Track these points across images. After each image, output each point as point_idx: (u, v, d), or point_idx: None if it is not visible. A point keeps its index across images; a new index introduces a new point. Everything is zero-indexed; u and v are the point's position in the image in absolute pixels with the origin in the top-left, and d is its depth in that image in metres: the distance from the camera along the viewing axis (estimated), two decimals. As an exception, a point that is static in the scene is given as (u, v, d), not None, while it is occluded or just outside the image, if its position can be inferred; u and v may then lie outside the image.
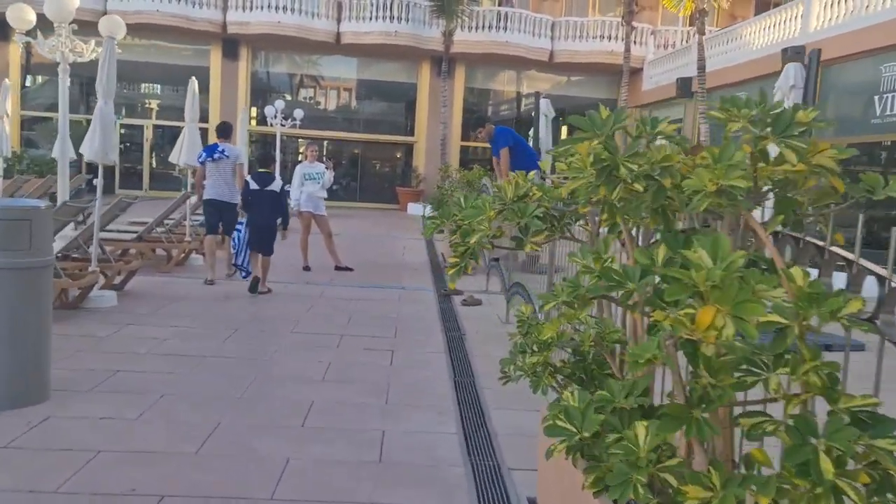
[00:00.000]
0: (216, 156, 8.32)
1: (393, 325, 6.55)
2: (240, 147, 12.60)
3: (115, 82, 6.86)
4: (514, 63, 24.93)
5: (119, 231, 9.29)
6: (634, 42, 22.84)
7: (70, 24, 7.91)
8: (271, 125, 21.42)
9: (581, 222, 2.40)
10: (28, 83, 24.22)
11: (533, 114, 11.19)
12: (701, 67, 15.63)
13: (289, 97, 24.91)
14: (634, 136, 1.91)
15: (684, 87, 20.88)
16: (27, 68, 24.26)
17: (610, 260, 1.81)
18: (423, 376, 5.02)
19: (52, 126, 23.71)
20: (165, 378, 4.64)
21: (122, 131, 24.55)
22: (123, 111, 25.03)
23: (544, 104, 10.96)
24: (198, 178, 8.71)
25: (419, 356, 5.55)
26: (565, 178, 2.07)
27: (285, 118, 21.23)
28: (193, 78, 10.59)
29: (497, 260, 8.19)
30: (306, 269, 9.68)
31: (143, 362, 4.99)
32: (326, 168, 9.66)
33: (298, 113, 21.64)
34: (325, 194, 9.72)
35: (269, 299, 7.60)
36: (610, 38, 24.21)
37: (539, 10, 24.89)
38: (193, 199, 9.63)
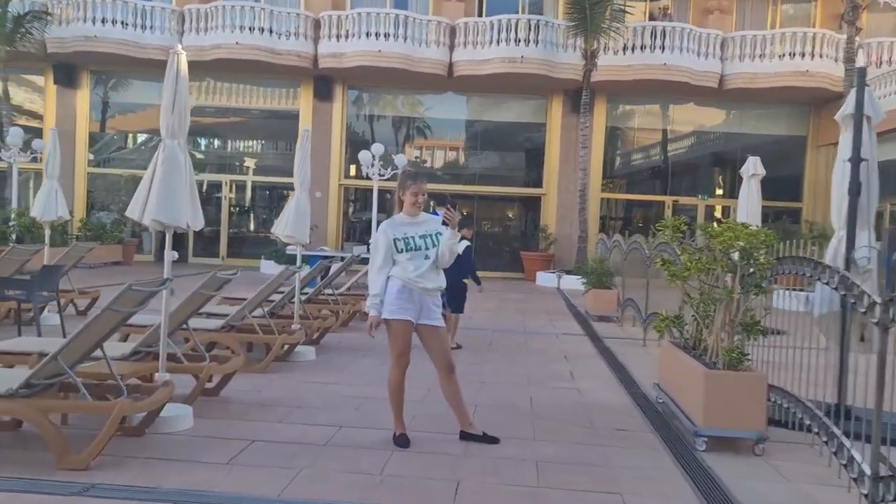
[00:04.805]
0: None
1: None
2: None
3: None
4: (672, 91, 19.51)
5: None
6: (841, 57, 17.01)
7: None
8: (367, 175, 16.92)
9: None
10: (98, 136, 21.09)
11: (838, 116, 5.73)
12: None
13: (390, 143, 20.50)
14: None
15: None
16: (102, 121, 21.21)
17: None
18: None
19: (117, 183, 20.37)
20: None
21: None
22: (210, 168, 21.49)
23: (867, 97, 5.58)
24: None
25: None
26: None
27: (384, 167, 16.73)
28: (307, 128, 7.91)
29: None
30: (400, 441, 4.53)
31: None
32: (446, 223, 4.54)
33: (401, 160, 17.06)
34: (441, 282, 4.63)
35: None
36: (804, 54, 18.42)
37: (703, 25, 19.50)
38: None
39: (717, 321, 5.08)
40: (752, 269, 4.83)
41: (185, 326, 5.56)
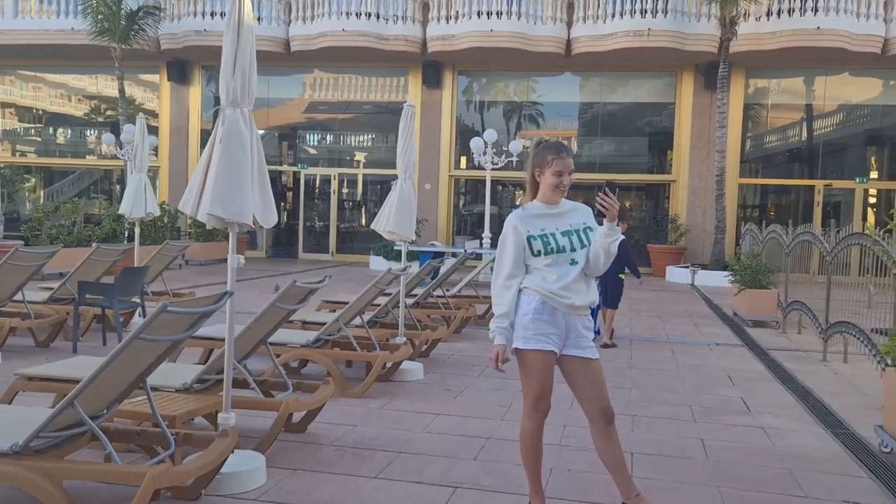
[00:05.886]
0: None
1: None
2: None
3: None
4: (824, 60, 17.05)
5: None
6: None
7: None
8: (478, 164, 15.80)
9: None
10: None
11: None
12: None
13: (502, 130, 19.20)
14: None
15: None
16: (215, 116, 21.20)
17: None
18: None
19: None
20: None
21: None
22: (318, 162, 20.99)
23: None
24: None
25: None
26: None
27: (497, 154, 15.53)
28: (411, 104, 7.06)
29: None
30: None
31: None
32: (603, 214, 3.20)
33: (515, 146, 15.80)
34: (594, 297, 3.31)
35: None
36: None
37: (863, -18, 16.88)
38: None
39: None
40: None
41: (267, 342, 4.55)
